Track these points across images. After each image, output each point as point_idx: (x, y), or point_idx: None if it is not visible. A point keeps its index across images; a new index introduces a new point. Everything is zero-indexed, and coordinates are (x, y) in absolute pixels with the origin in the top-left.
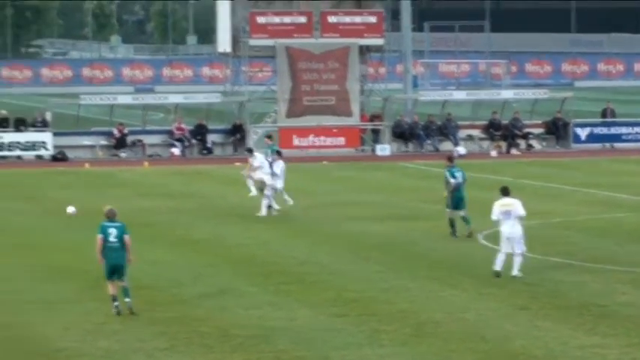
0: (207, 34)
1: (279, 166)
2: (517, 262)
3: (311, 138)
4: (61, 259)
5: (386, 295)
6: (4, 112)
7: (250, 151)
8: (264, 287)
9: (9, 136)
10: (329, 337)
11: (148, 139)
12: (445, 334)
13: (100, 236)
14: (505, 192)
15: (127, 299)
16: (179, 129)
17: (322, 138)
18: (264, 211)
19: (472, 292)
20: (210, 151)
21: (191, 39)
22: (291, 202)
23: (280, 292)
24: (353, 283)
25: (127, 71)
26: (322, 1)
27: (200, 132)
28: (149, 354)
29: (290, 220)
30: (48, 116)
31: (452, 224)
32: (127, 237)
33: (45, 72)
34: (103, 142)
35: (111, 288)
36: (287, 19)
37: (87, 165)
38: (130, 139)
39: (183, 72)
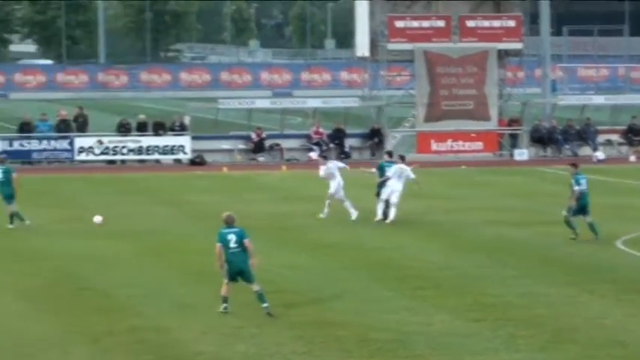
0: (345, 38)
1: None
2: None
3: (449, 142)
4: (198, 263)
5: (523, 300)
6: (142, 116)
7: (325, 157)
8: (401, 292)
9: (148, 140)
10: (466, 342)
11: (285, 143)
12: (583, 339)
13: (219, 245)
14: None
15: (263, 304)
16: (317, 133)
17: (460, 142)
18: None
19: (610, 297)
20: (347, 155)
21: (329, 43)
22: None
23: (417, 297)
24: (490, 287)
25: (265, 75)
26: (461, 2)
27: (338, 136)
28: (286, 358)
29: (426, 224)
30: (186, 120)
31: (570, 225)
32: (246, 241)
33: (184, 76)
34: (241, 146)
35: (225, 289)
36: (425, 24)
37: (225, 169)
38: (267, 143)
39: (322, 76)
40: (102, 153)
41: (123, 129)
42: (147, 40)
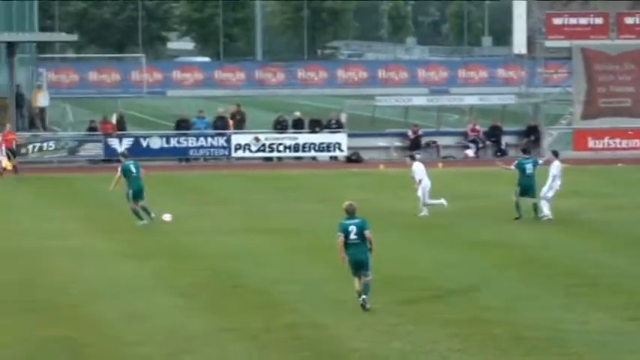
0: (502, 36)
1: (556, 167)
2: None
3: (606, 140)
4: None
5: None
6: (298, 113)
7: (413, 157)
8: (553, 289)
9: (304, 137)
10: (622, 341)
11: (442, 141)
12: None
13: (340, 235)
14: None
15: (363, 295)
16: (473, 130)
17: (617, 140)
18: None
19: None
20: (504, 152)
21: (486, 40)
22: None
23: (571, 295)
24: None
25: (422, 73)
26: (619, 1)
27: (494, 133)
28: (443, 355)
29: (581, 223)
30: (343, 118)
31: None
32: (367, 232)
33: (340, 73)
34: (398, 143)
35: (357, 284)
36: (583, 21)
37: (381, 166)
38: (424, 140)
39: (478, 73)
40: (258, 150)
41: (279, 126)
42: (304, 37)
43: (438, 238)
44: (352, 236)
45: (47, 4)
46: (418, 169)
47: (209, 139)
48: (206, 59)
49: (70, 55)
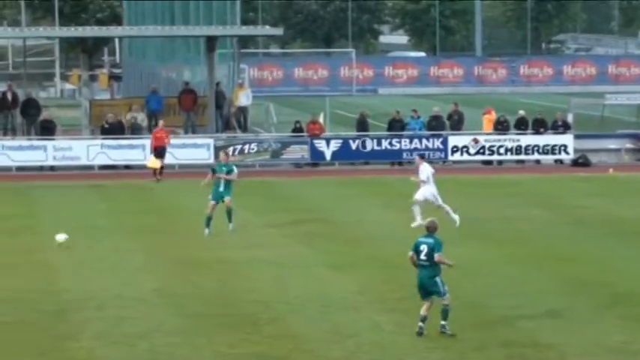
0: None
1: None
2: None
3: None
4: (578, 271)
5: None
6: (522, 112)
7: (423, 157)
8: None
9: (527, 139)
10: None
11: None
12: None
13: (411, 253)
14: None
15: (442, 322)
16: None
17: None
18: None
19: None
20: None
21: None
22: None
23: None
24: None
25: None
26: None
27: None
28: None
29: None
30: (569, 118)
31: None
32: (437, 255)
33: (567, 69)
34: (629, 145)
35: (423, 309)
36: None
37: (611, 170)
38: None
39: None
40: (477, 153)
41: (500, 127)
42: (527, 30)
43: None
44: (422, 257)
45: None
46: (425, 169)
47: (424, 140)
48: (421, 54)
49: (274, 50)
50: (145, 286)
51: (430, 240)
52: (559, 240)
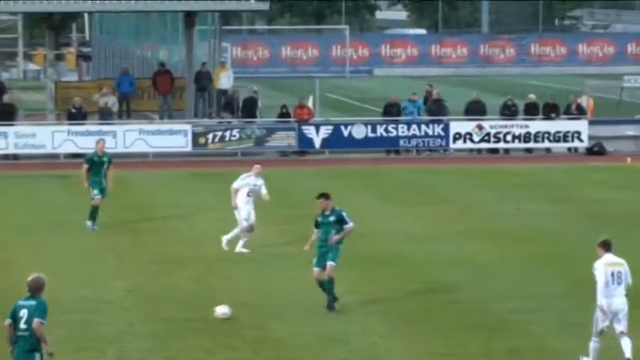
0: None
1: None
2: None
3: None
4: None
5: None
6: (532, 96)
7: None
8: None
9: (536, 125)
10: None
11: None
12: None
13: (7, 321)
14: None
15: None
16: None
17: None
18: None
19: None
20: None
21: None
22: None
23: None
24: None
25: None
26: None
27: None
28: None
29: None
30: (584, 101)
31: None
32: (36, 322)
33: (581, 49)
34: None
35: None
36: None
37: (629, 159)
38: None
39: None
40: (482, 140)
41: (507, 111)
42: (539, 5)
43: None
44: (21, 325)
45: None
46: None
47: (423, 126)
48: (421, 31)
49: (260, 27)
50: (115, 287)
51: (32, 302)
52: (570, 237)
